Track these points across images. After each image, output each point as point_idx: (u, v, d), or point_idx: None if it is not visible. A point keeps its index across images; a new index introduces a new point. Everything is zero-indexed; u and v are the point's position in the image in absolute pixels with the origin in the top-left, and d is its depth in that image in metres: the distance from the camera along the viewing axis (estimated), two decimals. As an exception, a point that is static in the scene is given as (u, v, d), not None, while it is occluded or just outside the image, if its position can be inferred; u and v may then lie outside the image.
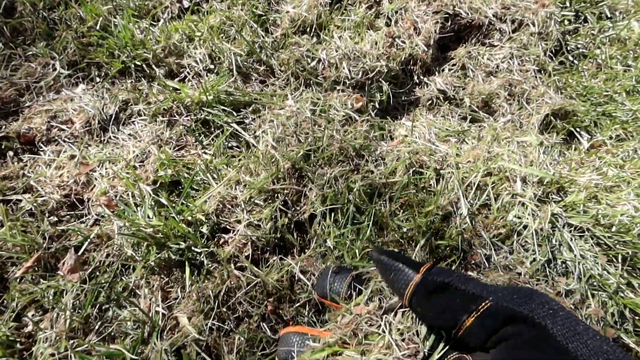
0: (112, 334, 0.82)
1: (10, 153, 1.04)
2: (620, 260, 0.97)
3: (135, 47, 1.23)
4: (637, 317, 0.93)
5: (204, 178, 1.02)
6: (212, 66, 1.26)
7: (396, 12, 1.38)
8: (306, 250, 0.95)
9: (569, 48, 1.47)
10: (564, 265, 0.99)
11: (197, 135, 1.11)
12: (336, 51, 1.23)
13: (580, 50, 1.49)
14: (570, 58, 1.46)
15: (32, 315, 0.84)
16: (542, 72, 1.36)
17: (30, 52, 1.22)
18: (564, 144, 1.22)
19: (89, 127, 1.08)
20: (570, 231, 1.01)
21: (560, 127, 1.22)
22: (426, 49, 1.31)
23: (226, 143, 1.11)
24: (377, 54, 1.25)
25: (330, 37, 1.30)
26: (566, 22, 1.53)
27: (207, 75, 1.24)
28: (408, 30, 1.33)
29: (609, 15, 1.59)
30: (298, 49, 1.24)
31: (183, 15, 1.38)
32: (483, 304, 0.43)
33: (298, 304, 0.87)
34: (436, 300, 0.46)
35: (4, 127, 1.07)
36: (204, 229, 0.93)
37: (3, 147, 1.05)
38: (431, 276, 0.47)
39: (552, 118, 1.22)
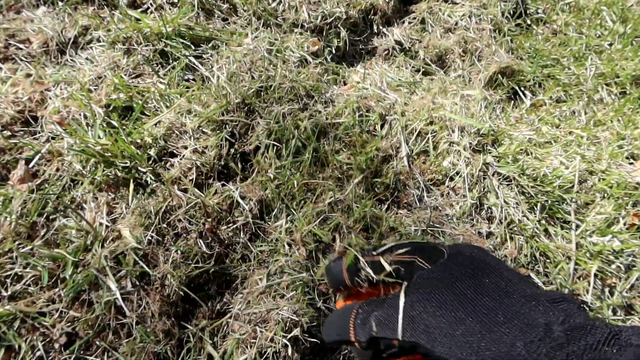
0: (57, 241, 0.88)
1: (-33, 68, 1.06)
2: (539, 208, 1.06)
3: (98, -27, 1.24)
4: (547, 260, 1.02)
5: (157, 106, 1.06)
6: (175, 0, 1.28)
7: (362, -39, 1.40)
8: (248, 179, 1.01)
9: (528, 12, 1.52)
10: (489, 210, 1.07)
11: (153, 65, 1.14)
12: (297, -6, 1.26)
13: (540, 14, 1.54)
14: (528, 22, 1.51)
15: (-19, 220, 0.88)
16: (498, 32, 1.41)
17: (-9, -30, 1.22)
18: (507, 101, 1.29)
19: (46, 48, 1.10)
20: (498, 179, 1.08)
21: (505, 85, 1.28)
22: (387, 0, 1.34)
23: (182, 75, 1.14)
24: (338, 0, 1.28)
25: (294, -21, 1.32)
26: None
27: (169, 8, 1.26)
28: (372, -20, 1.36)
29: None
30: (260, -11, 1.26)
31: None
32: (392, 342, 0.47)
33: (235, 226, 0.93)
34: None
35: (-40, 42, 1.09)
36: (152, 152, 0.98)
37: (-41, 61, 1.07)
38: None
39: (499, 75, 1.28)
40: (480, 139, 1.12)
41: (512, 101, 1.30)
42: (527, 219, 1.05)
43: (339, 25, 1.28)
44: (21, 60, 1.09)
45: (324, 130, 1.07)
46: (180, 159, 0.98)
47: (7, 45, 1.09)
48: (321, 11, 1.25)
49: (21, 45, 1.10)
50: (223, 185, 0.98)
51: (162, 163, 0.98)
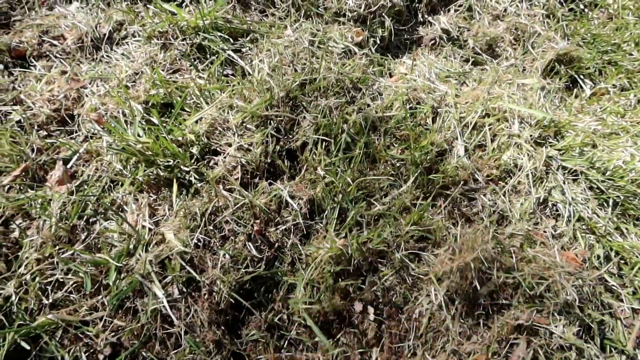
0: (98, 245, 0.83)
1: (1, 66, 1.02)
2: (611, 204, 0.97)
3: (132, -33, 1.19)
4: (622, 261, 0.93)
5: (197, 102, 1.01)
6: (210, -8, 1.23)
7: (404, -54, 1.33)
8: (296, 177, 0.94)
9: (580, -6, 1.43)
10: (554, 208, 0.98)
11: (192, 59, 1.08)
12: (339, -19, 1.19)
13: (593, -1, 1.44)
14: (581, 6, 1.41)
15: (19, 223, 0.84)
16: (551, 17, 1.32)
17: (23, -34, 1.19)
18: (566, 90, 1.20)
19: (81, 44, 1.06)
20: (564, 174, 1.00)
21: (563, 73, 1.20)
22: (433, -13, 1.27)
23: (221, 70, 1.09)
24: (382, -12, 1.21)
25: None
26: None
27: (205, 2, 1.21)
28: (415, -34, 1.29)
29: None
30: (300, -23, 1.20)
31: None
32: None
33: (284, 227, 0.87)
34: None
35: (-6, 39, 1.05)
36: (194, 150, 0.92)
37: (-6, 59, 1.03)
38: None
39: (556, 63, 1.19)
40: (541, 130, 1.04)
41: (571, 90, 1.21)
42: (598, 216, 0.96)
43: (383, 14, 1.21)
44: (55, 57, 1.04)
45: (374, 124, 1.01)
46: (225, 157, 0.92)
47: (40, 42, 1.05)
48: (364, -1, 1.19)
49: (55, 42, 1.05)
50: (270, 184, 0.92)
51: (205, 162, 0.93)
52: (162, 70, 1.05)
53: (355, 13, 1.19)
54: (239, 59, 1.10)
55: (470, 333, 0.79)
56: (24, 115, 0.93)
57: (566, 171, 1.00)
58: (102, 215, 0.86)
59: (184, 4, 1.21)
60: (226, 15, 1.15)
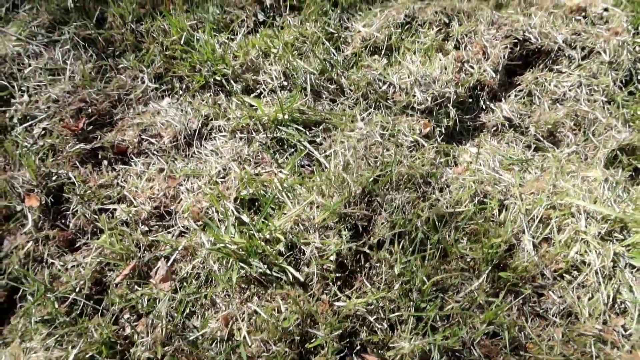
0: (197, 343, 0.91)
1: (105, 162, 1.14)
2: (682, 304, 0.99)
3: (215, 62, 1.30)
4: (694, 362, 0.95)
5: (279, 197, 1.10)
6: (285, 83, 1.33)
7: (466, 35, 1.41)
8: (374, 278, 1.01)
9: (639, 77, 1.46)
10: (622, 305, 1.01)
11: (272, 153, 1.18)
12: (408, 77, 1.27)
13: (652, 79, 1.47)
14: (640, 87, 1.45)
15: (127, 318, 0.93)
16: (611, 102, 1.36)
17: (121, 65, 1.32)
18: (630, 180, 1.23)
19: (175, 142, 1.17)
20: (631, 272, 1.03)
21: (626, 163, 1.23)
22: (494, 75, 1.34)
23: (299, 162, 1.17)
24: (447, 80, 1.28)
25: (402, 58, 1.34)
26: (638, 49, 1.51)
27: (280, 92, 1.31)
28: (477, 55, 1.35)
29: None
30: (370, 72, 1.29)
31: (258, 30, 1.44)
32: None
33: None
34: None
35: (99, 137, 1.17)
36: (281, 247, 1.00)
37: (99, 156, 1.15)
38: None
39: (618, 152, 1.23)
40: (607, 225, 1.08)
41: (635, 180, 1.24)
42: (668, 315, 0.99)
43: (448, 105, 1.28)
44: (153, 154, 1.16)
45: (444, 220, 1.07)
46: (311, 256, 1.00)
47: (140, 140, 1.17)
48: (431, 92, 1.26)
49: (153, 140, 1.17)
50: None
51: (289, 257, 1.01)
52: (247, 165, 1.14)
53: (423, 105, 1.26)
54: (314, 150, 1.18)
55: None
56: (130, 215, 1.04)
57: (634, 269, 1.04)
58: (200, 313, 0.95)
59: (262, 96, 1.31)
60: (301, 106, 1.24)
